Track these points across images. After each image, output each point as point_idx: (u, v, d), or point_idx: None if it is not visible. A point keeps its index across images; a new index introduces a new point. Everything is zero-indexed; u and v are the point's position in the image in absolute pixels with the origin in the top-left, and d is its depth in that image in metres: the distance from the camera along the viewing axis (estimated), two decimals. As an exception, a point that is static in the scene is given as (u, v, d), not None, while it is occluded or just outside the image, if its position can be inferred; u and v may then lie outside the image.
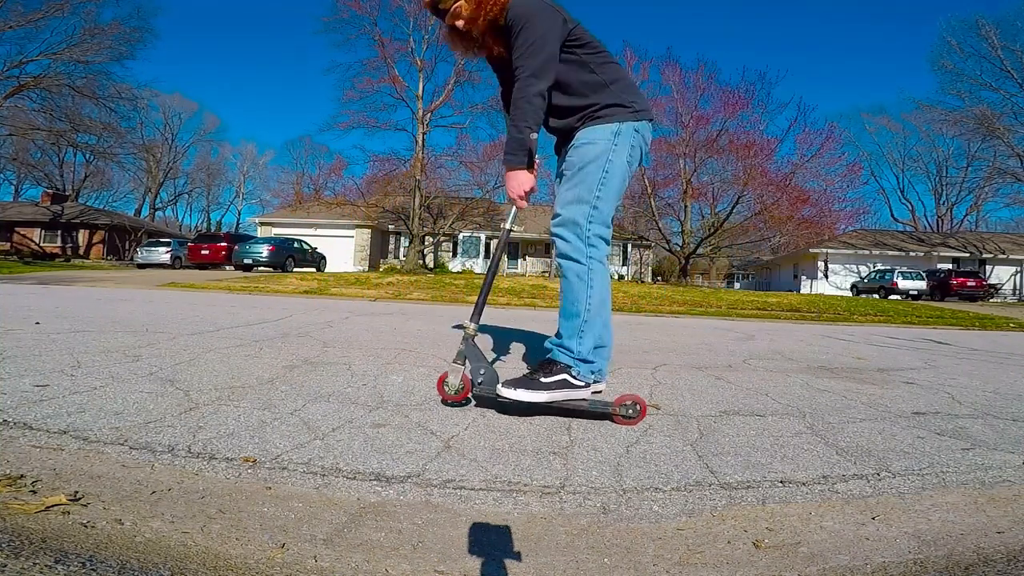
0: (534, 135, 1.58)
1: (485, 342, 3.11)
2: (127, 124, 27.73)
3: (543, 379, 1.60)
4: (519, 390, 1.56)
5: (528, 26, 1.53)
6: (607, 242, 1.68)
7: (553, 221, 1.68)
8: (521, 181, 1.61)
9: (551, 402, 1.59)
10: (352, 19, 20.75)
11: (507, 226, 1.80)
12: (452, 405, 1.69)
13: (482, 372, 1.62)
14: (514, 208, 1.72)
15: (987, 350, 4.29)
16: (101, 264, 25.33)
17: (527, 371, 1.68)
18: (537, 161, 1.65)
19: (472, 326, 1.64)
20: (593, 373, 1.68)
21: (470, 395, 1.68)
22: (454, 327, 4.01)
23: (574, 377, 1.62)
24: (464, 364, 1.63)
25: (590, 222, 1.62)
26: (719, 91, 22.30)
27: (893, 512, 1.11)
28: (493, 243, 30.03)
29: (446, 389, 1.65)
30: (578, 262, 1.62)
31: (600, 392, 1.84)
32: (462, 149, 24.21)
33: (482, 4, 1.54)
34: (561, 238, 1.65)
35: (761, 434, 1.58)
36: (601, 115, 1.65)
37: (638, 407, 1.60)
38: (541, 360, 1.70)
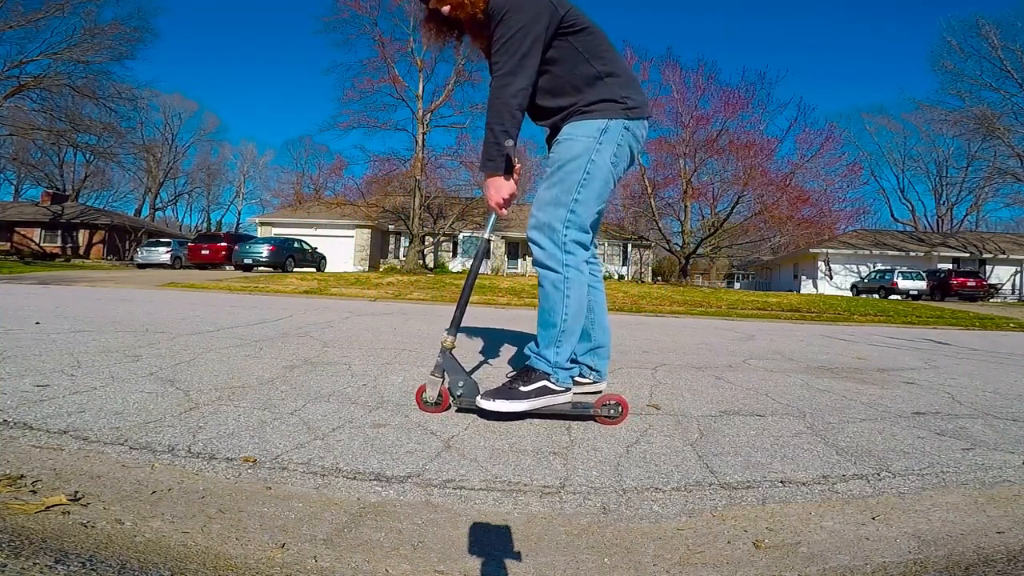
0: (510, 141, 1.47)
1: (480, 344, 3.11)
2: (127, 124, 27.80)
3: (522, 388, 1.55)
4: (498, 401, 1.52)
5: (507, 17, 1.42)
6: (586, 247, 1.61)
7: (529, 223, 1.60)
8: (500, 187, 1.54)
9: (532, 410, 1.56)
10: (352, 19, 20.77)
11: (486, 235, 1.71)
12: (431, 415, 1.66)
13: (460, 384, 1.59)
14: (493, 215, 1.65)
15: (987, 350, 4.29)
16: (101, 264, 25.34)
17: (507, 379, 1.66)
18: (517, 166, 1.59)
19: (450, 339, 1.59)
20: (572, 378, 1.65)
21: (450, 405, 1.66)
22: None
23: (553, 383, 1.58)
24: (443, 377, 1.60)
25: (567, 227, 1.54)
26: (719, 91, 22.33)
27: (893, 512, 1.11)
28: (493, 243, 30.05)
29: (424, 402, 1.63)
30: (554, 271, 1.56)
31: (600, 392, 1.84)
32: (462, 149, 24.21)
33: None
34: (537, 244, 1.57)
35: (761, 434, 1.58)
36: (588, 110, 1.54)
37: (620, 407, 1.59)
38: (520, 367, 1.67)
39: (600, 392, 1.84)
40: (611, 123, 1.54)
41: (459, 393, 1.59)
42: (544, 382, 1.57)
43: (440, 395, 1.61)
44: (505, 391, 1.55)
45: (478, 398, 1.54)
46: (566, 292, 1.56)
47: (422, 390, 1.63)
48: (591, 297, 1.70)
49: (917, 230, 39.83)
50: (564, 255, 1.55)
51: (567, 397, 1.61)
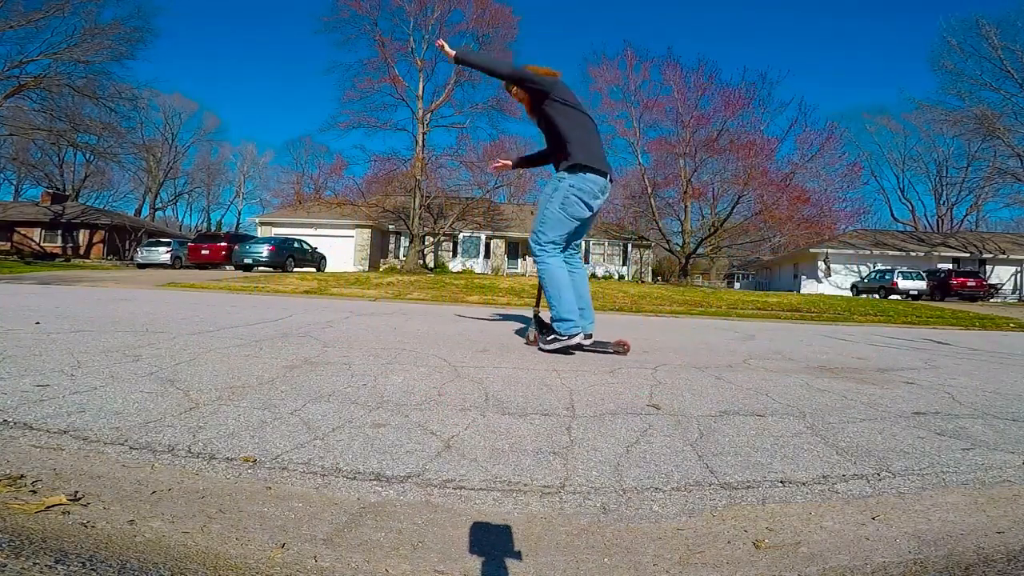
0: None
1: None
2: (127, 124, 27.81)
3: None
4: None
5: None
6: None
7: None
8: None
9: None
10: (352, 19, 20.84)
11: None
12: None
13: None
14: None
15: (987, 350, 4.29)
16: (102, 264, 25.34)
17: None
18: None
19: None
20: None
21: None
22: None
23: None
24: None
25: None
26: (720, 91, 22.37)
27: (893, 512, 1.11)
28: (493, 243, 30.00)
29: None
30: None
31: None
32: (462, 149, 24.25)
33: None
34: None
35: (761, 434, 1.58)
36: None
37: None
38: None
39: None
40: None
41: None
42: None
43: None
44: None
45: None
46: None
47: None
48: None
49: (917, 230, 39.83)
50: None
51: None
